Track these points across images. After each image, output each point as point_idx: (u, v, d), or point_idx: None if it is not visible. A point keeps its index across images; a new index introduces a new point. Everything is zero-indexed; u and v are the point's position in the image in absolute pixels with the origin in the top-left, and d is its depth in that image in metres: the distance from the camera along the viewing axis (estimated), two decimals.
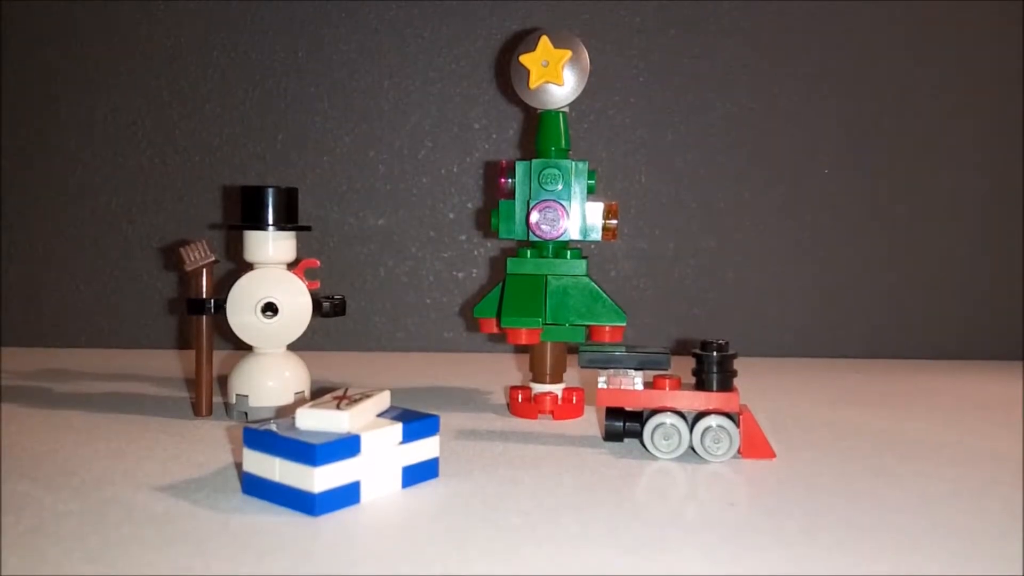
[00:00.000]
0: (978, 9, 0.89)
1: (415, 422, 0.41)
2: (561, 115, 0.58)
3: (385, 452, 0.40)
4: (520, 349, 0.86)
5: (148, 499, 0.38)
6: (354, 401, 0.41)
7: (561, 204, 0.56)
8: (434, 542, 0.33)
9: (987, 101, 0.90)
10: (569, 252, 0.58)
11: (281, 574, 0.30)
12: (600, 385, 0.49)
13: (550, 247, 0.58)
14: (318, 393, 0.47)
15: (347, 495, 0.38)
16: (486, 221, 0.86)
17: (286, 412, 0.51)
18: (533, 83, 0.57)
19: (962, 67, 0.90)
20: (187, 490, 0.40)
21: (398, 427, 0.40)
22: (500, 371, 0.77)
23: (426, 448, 0.42)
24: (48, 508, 0.37)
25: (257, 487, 0.39)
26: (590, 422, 0.57)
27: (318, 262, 0.57)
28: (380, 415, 0.42)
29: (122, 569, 0.30)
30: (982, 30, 0.90)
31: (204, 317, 0.55)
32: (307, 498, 0.37)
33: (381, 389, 0.43)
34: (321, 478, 0.37)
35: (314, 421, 0.39)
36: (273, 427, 0.39)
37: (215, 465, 0.44)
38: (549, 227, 0.57)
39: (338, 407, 0.39)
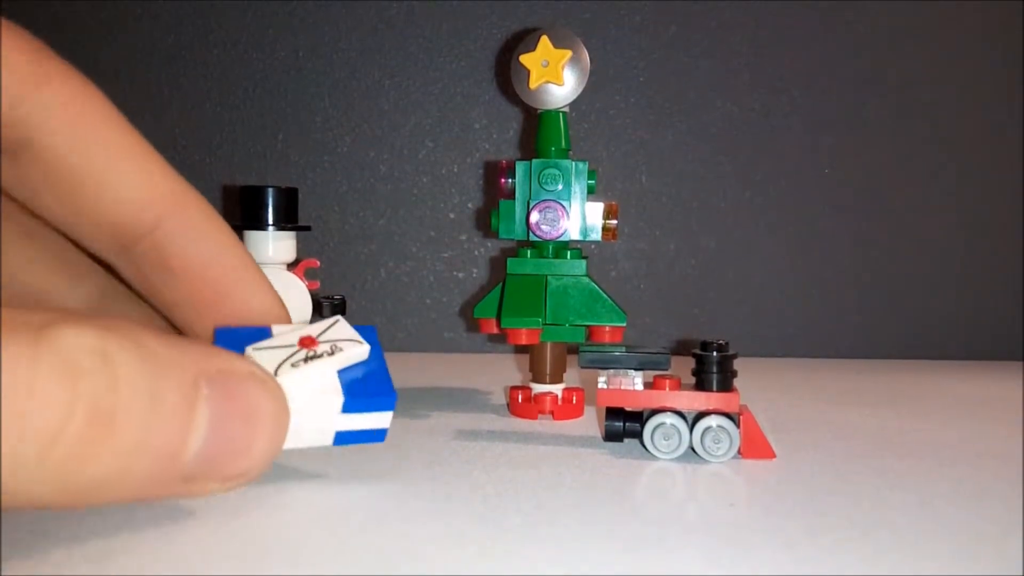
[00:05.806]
0: (978, 9, 0.89)
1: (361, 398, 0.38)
2: (561, 115, 0.58)
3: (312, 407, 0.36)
4: (520, 349, 0.86)
5: None
6: (311, 358, 0.37)
7: (561, 204, 0.56)
8: (434, 542, 0.33)
9: (988, 101, 0.90)
10: (569, 252, 0.58)
11: (284, 574, 0.30)
12: (600, 385, 0.49)
13: (550, 247, 0.58)
14: None
15: None
16: (486, 221, 0.86)
17: None
18: (533, 83, 0.57)
19: (963, 68, 0.90)
20: None
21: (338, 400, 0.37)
22: (500, 371, 0.77)
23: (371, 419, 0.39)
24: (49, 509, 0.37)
25: None
26: (590, 422, 0.57)
27: (318, 262, 0.57)
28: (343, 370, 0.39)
29: (122, 570, 0.30)
30: (983, 31, 0.89)
31: None
32: None
33: (360, 343, 0.41)
34: None
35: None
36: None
37: None
38: (549, 227, 0.57)
39: (276, 370, 0.35)
